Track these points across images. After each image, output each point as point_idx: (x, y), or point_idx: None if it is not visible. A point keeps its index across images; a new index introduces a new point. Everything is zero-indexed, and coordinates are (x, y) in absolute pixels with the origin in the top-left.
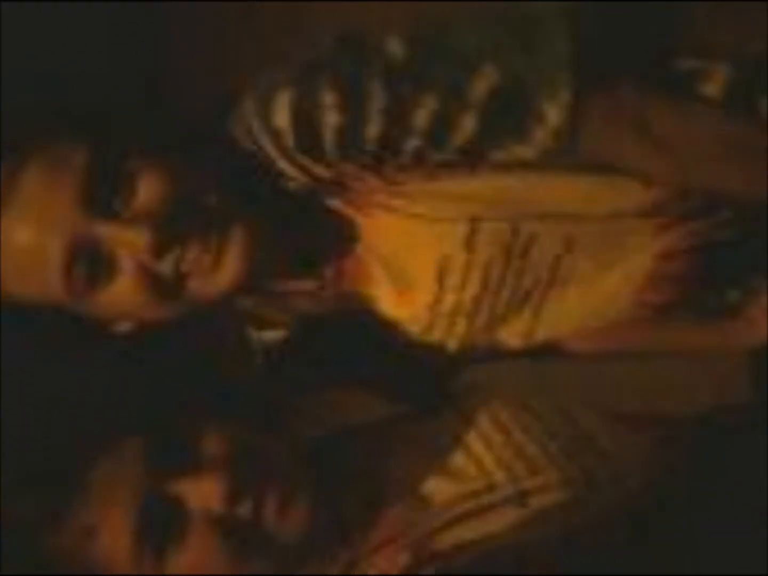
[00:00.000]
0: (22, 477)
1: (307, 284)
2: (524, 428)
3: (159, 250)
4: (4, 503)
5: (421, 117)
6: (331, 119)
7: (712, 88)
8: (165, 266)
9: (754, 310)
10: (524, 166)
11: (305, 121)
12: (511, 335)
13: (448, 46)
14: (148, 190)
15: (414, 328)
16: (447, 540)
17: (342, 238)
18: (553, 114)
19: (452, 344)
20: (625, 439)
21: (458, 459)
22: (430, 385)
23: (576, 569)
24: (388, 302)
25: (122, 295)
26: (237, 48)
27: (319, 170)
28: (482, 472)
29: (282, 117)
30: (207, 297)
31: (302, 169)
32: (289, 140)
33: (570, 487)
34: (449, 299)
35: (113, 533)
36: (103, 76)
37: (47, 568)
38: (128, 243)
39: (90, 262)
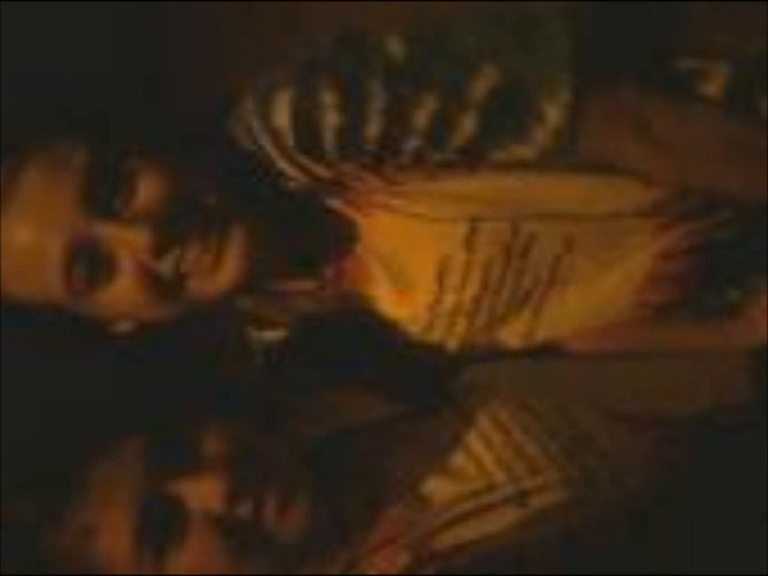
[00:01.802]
0: (22, 477)
1: (307, 284)
2: (524, 428)
3: (159, 250)
4: (4, 503)
5: (421, 117)
6: (330, 119)
7: (712, 88)
8: (165, 266)
9: (754, 310)
10: (524, 166)
11: (305, 121)
12: (511, 335)
13: (448, 46)
14: (148, 190)
15: (414, 328)
16: (447, 540)
17: (342, 238)
18: (553, 114)
19: (452, 344)
20: (625, 439)
21: (458, 459)
22: (430, 385)
23: (576, 569)
24: (388, 302)
25: (122, 295)
26: (237, 48)
27: (319, 170)
28: (482, 472)
29: (282, 117)
30: (207, 297)
31: (302, 169)
32: (289, 140)
33: (570, 487)
34: (449, 299)
35: (113, 533)
36: (103, 76)
37: (47, 568)
38: (128, 243)
39: (90, 262)
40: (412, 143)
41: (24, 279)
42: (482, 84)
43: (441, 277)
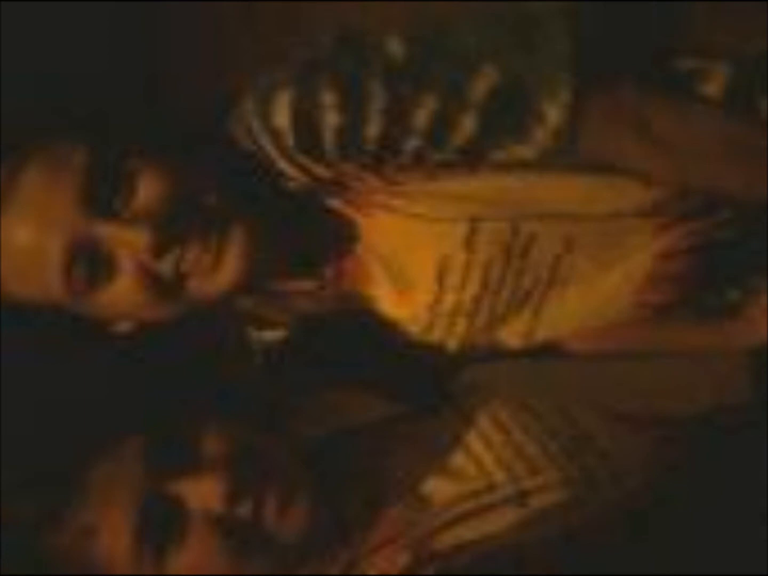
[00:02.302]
0: (22, 477)
1: (307, 284)
2: (524, 428)
3: (159, 250)
4: (4, 503)
5: (421, 117)
6: (330, 119)
7: (712, 88)
8: (165, 266)
9: (754, 310)
10: (524, 166)
11: (305, 121)
12: (511, 335)
13: (448, 46)
14: (148, 190)
15: (414, 328)
16: (447, 540)
17: (342, 238)
18: (553, 114)
19: (452, 344)
20: (625, 439)
21: (458, 459)
22: (430, 385)
23: (576, 569)
24: (388, 302)
25: (122, 295)
26: (237, 48)
27: (319, 170)
28: (482, 472)
29: (282, 117)
30: (207, 297)
31: (302, 169)
32: (289, 140)
33: (570, 487)
34: (449, 299)
35: (113, 533)
36: (103, 76)
37: (47, 568)
38: (128, 243)
39: (90, 262)
40: (412, 143)
41: (24, 279)
42: (482, 84)
43: (441, 277)
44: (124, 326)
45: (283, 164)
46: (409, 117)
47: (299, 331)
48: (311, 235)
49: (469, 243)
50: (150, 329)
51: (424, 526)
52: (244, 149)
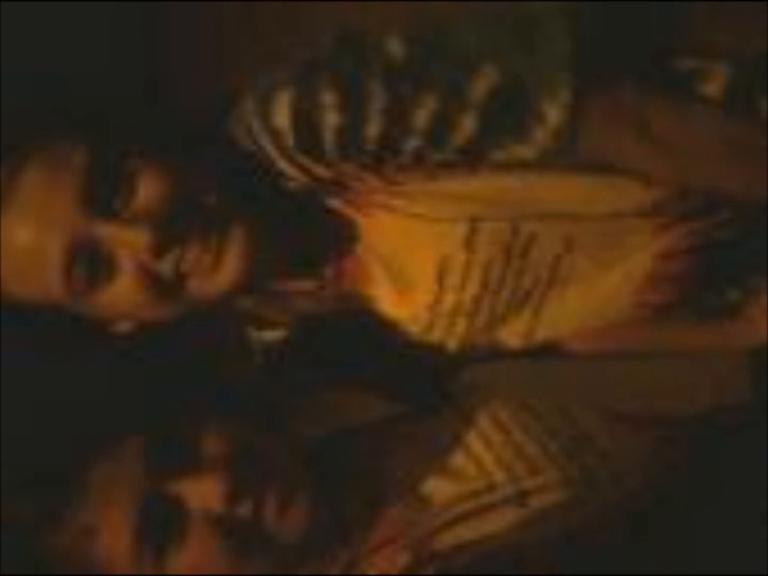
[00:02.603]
0: (21, 477)
1: (307, 284)
2: (524, 428)
3: (159, 250)
4: (4, 503)
5: (421, 117)
6: (330, 119)
7: (712, 88)
8: (165, 266)
9: (754, 310)
10: (524, 166)
11: (305, 121)
12: (511, 335)
13: (448, 46)
14: (148, 190)
15: (414, 328)
16: (447, 540)
17: (342, 238)
18: (553, 114)
19: (452, 344)
20: (625, 439)
21: (458, 459)
22: (430, 385)
23: (576, 569)
24: (388, 302)
25: (122, 295)
26: (237, 48)
27: (319, 170)
28: (482, 472)
29: (282, 117)
30: (207, 297)
31: (302, 169)
32: (289, 140)
33: (570, 487)
34: (449, 299)
35: (113, 533)
36: (103, 76)
37: (47, 568)
38: (128, 243)
39: (90, 262)
40: (412, 143)
41: (24, 279)
42: (482, 84)
43: (441, 277)
44: (124, 326)
45: (283, 164)
46: (409, 117)
47: (299, 331)
48: (311, 235)
49: (469, 243)
50: (150, 329)
51: (424, 526)
52: (244, 149)
